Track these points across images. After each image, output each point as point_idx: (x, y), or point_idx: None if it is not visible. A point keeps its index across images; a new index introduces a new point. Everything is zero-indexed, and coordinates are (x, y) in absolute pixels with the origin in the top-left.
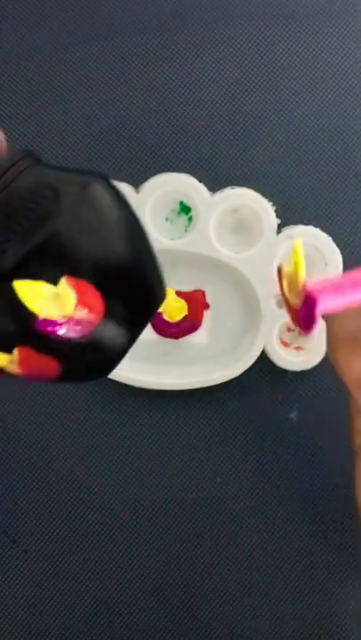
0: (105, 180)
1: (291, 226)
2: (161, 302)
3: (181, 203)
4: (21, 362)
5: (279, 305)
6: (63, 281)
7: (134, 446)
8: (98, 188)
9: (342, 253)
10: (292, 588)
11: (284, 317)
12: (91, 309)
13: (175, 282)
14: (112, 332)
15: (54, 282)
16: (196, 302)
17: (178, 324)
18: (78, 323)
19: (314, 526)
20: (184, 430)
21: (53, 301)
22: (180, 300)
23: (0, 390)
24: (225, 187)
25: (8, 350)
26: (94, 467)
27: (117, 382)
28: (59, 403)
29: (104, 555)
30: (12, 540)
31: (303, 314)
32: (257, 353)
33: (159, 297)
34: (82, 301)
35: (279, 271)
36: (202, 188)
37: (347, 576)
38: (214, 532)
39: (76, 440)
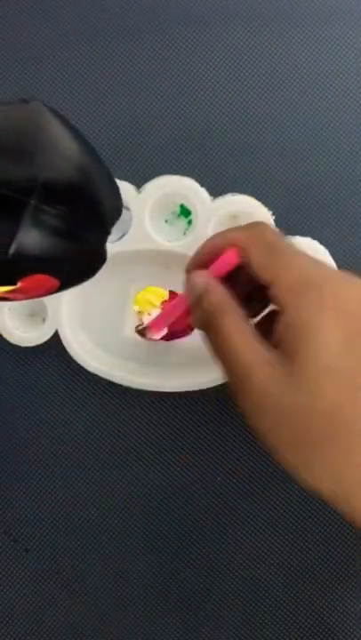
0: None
1: (289, 236)
2: (115, 214)
3: (182, 206)
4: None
5: None
6: None
7: (134, 447)
8: (46, 112)
9: (338, 267)
10: (293, 587)
11: None
12: None
13: (169, 284)
14: (36, 240)
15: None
16: None
17: (170, 326)
18: None
19: (315, 526)
20: (184, 430)
21: None
22: (153, 295)
23: (1, 394)
24: (226, 192)
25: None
26: (94, 467)
27: (118, 385)
28: (58, 405)
29: (104, 554)
30: (14, 539)
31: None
32: None
33: (110, 208)
34: None
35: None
36: (203, 192)
37: (349, 576)
38: (215, 530)
39: (75, 441)
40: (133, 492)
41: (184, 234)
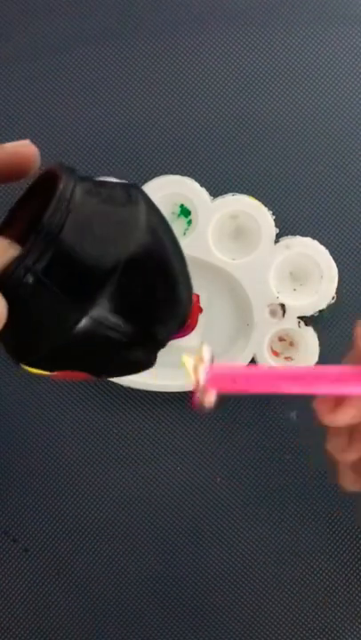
0: (141, 190)
1: (289, 236)
2: (180, 325)
3: (182, 206)
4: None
5: (272, 314)
6: None
7: (134, 447)
8: (142, 204)
9: (338, 267)
10: (294, 586)
11: (276, 327)
12: None
13: None
14: (86, 349)
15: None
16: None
17: None
18: None
19: (315, 525)
20: (184, 430)
21: None
22: None
23: (2, 394)
24: (226, 192)
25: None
26: (94, 467)
27: (117, 385)
28: (59, 405)
29: (104, 553)
30: (13, 539)
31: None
32: (247, 360)
33: (182, 304)
34: None
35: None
36: (203, 192)
37: (350, 577)
38: (214, 530)
39: (75, 441)
40: (133, 491)
41: (184, 234)
